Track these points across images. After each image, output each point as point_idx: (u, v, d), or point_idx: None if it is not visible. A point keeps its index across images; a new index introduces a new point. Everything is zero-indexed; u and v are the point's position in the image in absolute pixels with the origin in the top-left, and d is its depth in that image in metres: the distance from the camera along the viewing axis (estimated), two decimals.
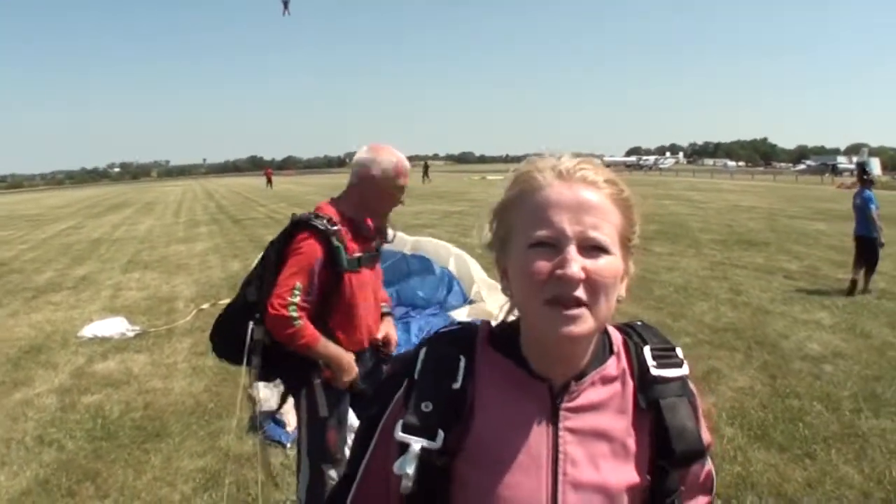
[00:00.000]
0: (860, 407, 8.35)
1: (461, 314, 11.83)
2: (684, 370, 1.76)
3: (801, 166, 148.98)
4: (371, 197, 4.87)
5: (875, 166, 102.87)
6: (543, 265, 1.52)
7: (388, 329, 5.22)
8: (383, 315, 5.25)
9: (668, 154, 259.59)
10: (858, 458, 7.11)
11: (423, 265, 13.78)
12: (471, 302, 12.77)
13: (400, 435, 1.65)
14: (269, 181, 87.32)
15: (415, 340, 10.29)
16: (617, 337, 1.80)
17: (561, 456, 1.64)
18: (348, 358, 4.80)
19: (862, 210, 15.79)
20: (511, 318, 1.77)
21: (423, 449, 1.63)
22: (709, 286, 15.72)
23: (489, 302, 12.25)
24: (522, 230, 1.60)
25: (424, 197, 53.50)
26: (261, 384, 8.91)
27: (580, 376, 1.68)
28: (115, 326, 12.96)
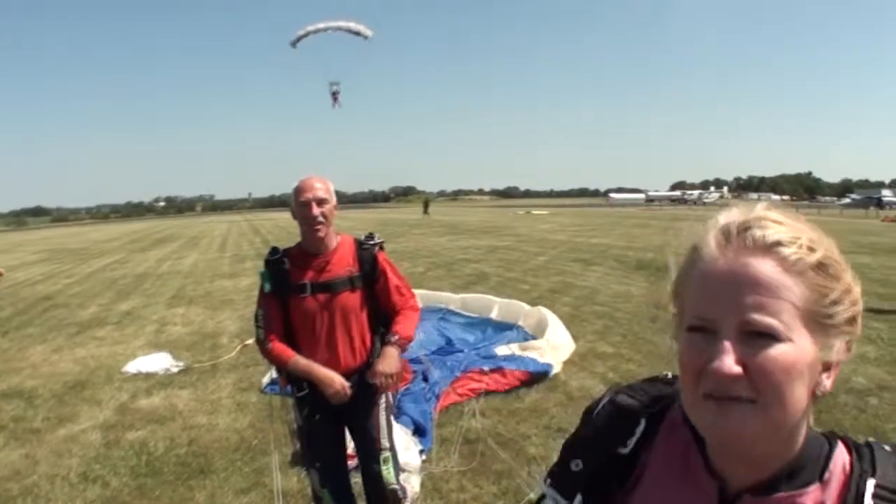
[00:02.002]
0: None
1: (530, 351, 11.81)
2: None
3: (846, 200, 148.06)
4: (299, 224, 5.36)
5: None
6: (696, 355, 1.31)
7: (383, 358, 5.28)
8: (386, 344, 5.35)
9: (712, 188, 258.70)
10: None
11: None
12: (530, 337, 12.93)
13: (541, 483, 1.63)
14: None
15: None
16: (841, 459, 1.43)
17: None
18: (324, 373, 5.17)
19: None
20: None
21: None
22: None
23: (551, 331, 12.68)
24: (685, 308, 1.38)
25: (471, 232, 53.82)
26: None
27: (765, 489, 1.39)
28: (159, 362, 13.00)
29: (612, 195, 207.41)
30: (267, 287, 5.26)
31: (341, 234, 5.50)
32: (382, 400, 5.50)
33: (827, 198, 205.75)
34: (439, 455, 8.03)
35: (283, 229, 71.62)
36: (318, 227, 5.18)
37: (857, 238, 39.68)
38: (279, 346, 5.18)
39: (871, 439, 1.45)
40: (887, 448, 1.43)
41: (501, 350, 11.68)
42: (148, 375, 12.39)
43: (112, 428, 9.71)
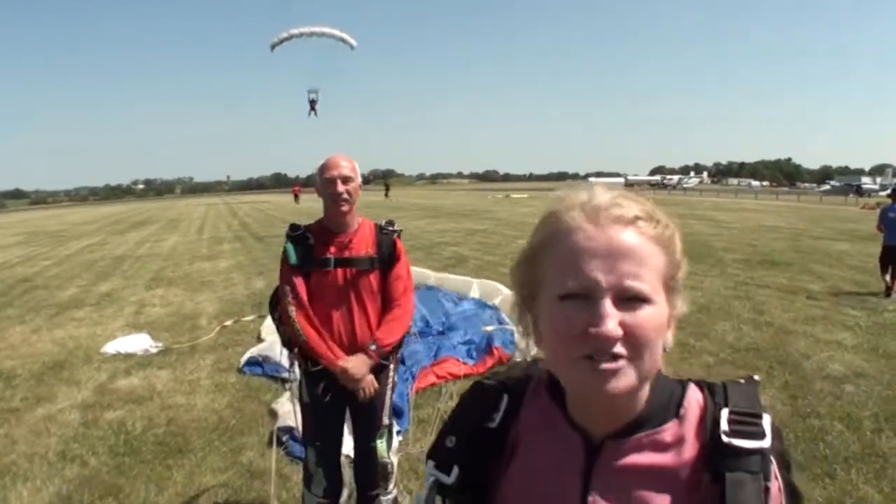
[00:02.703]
0: (881, 427, 8.31)
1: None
2: (764, 443, 1.47)
3: (826, 186, 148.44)
4: (323, 201, 5.34)
5: None
6: (575, 321, 1.39)
7: (354, 362, 5.26)
8: (363, 350, 5.35)
9: (692, 174, 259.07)
10: (878, 477, 7.08)
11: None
12: (499, 314, 13.09)
13: (426, 465, 1.71)
14: (297, 198, 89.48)
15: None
16: (693, 397, 1.59)
17: None
18: (353, 371, 5.23)
19: (895, 223, 17.29)
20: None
21: (437, 482, 1.68)
22: (731, 306, 15.60)
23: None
24: (552, 279, 1.47)
25: (450, 215, 53.90)
26: (281, 399, 8.97)
27: (624, 433, 1.53)
28: (138, 343, 13.02)
29: (592, 179, 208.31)
30: (293, 259, 5.26)
31: (362, 217, 5.55)
32: (390, 378, 5.58)
33: (806, 184, 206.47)
34: (416, 436, 8.06)
35: (262, 212, 71.66)
36: (343, 203, 5.22)
37: (836, 225, 39.92)
38: (314, 335, 5.21)
39: (724, 379, 1.63)
40: (741, 381, 1.61)
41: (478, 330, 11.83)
42: (127, 356, 12.41)
43: (90, 408, 9.73)
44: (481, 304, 13.86)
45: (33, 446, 8.45)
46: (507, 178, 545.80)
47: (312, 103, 44.47)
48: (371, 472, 5.62)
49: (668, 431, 1.52)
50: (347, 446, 5.87)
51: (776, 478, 1.47)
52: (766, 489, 1.44)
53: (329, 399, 5.36)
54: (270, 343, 11.25)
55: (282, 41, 33.88)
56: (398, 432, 7.90)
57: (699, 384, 1.62)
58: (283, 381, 9.67)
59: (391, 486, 5.76)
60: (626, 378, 1.38)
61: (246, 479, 7.28)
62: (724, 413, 1.50)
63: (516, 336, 11.38)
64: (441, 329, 12.20)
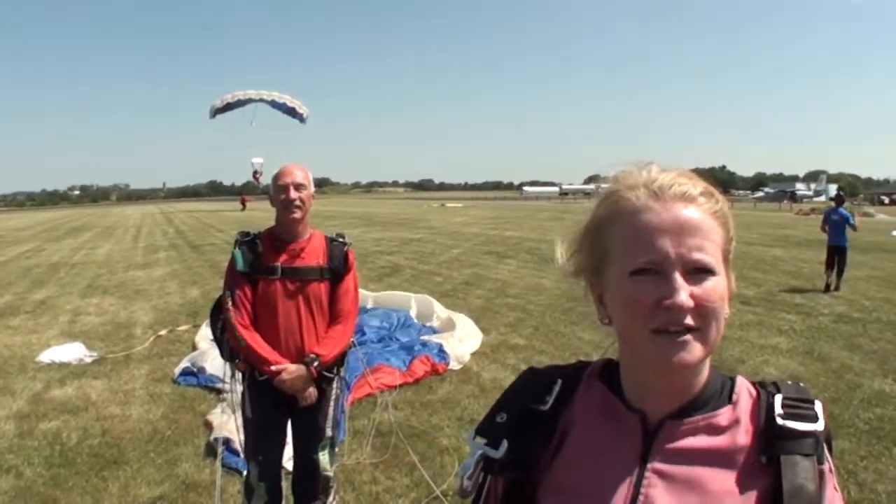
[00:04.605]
0: None
1: (436, 338, 12.34)
2: (818, 426, 1.52)
3: (759, 193, 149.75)
4: (276, 208, 5.42)
5: (832, 192, 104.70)
6: (648, 294, 1.45)
7: (293, 373, 5.28)
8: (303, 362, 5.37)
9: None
10: None
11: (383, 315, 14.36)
12: (434, 331, 13.34)
13: (470, 439, 1.73)
14: (244, 205, 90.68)
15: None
16: (744, 385, 1.65)
17: (641, 498, 1.55)
18: (296, 382, 5.30)
19: (838, 224, 19.47)
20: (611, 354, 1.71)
21: (483, 457, 1.69)
22: None
23: (459, 329, 13.05)
24: (620, 256, 1.52)
25: (385, 224, 53.94)
26: (216, 410, 8.97)
27: (680, 415, 1.57)
28: (73, 352, 12.91)
29: (526, 188, 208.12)
30: (240, 265, 5.28)
31: (314, 228, 5.60)
32: (333, 391, 5.62)
33: (740, 192, 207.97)
34: (352, 447, 8.09)
35: (198, 220, 71.10)
36: (296, 210, 5.28)
37: (769, 231, 40.48)
38: (255, 339, 5.24)
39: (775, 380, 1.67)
40: (789, 382, 1.65)
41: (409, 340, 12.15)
42: (62, 365, 12.32)
43: (25, 418, 9.67)
44: (411, 325, 13.99)
45: None
46: (443, 186, 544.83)
47: (256, 175, 43.52)
48: (313, 484, 5.64)
49: (723, 415, 1.57)
50: (285, 457, 5.90)
51: (828, 460, 1.54)
52: (821, 472, 1.50)
53: (272, 411, 5.40)
54: (205, 352, 11.25)
55: (224, 108, 31.68)
56: (336, 444, 7.96)
57: (751, 382, 1.67)
58: (218, 391, 9.68)
59: (331, 498, 5.78)
60: (696, 350, 1.45)
61: (182, 492, 7.27)
62: (778, 398, 1.56)
63: (447, 347, 11.51)
64: (375, 340, 12.35)
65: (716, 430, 1.55)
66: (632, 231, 1.50)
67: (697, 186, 1.55)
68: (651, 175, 1.57)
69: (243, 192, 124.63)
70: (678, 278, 1.43)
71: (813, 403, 1.55)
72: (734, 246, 1.59)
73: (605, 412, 1.64)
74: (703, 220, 1.49)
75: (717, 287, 1.46)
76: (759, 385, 1.64)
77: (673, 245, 1.45)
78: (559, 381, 1.75)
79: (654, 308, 1.44)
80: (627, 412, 1.60)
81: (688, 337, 1.44)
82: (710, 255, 1.47)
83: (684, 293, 1.42)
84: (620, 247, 1.52)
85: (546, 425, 1.68)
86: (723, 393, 1.61)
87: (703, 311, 1.44)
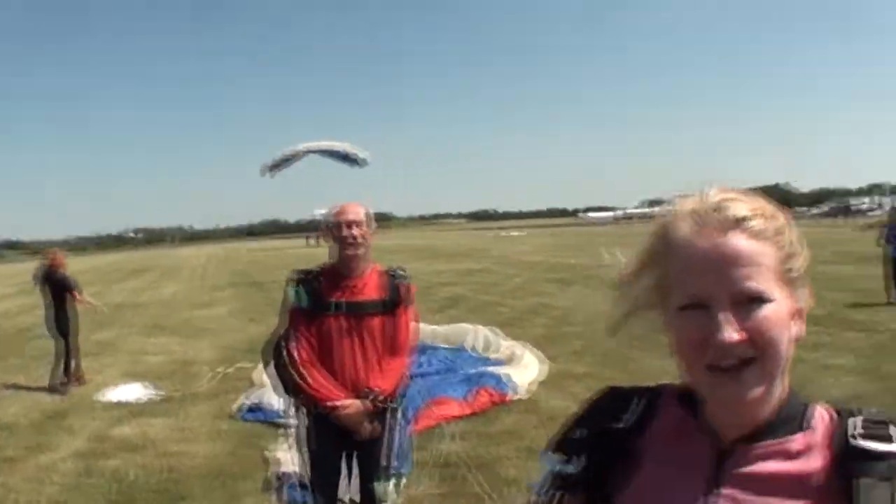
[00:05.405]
0: None
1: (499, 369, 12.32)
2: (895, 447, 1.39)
3: (816, 210, 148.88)
4: (334, 245, 5.48)
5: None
6: (696, 331, 1.40)
7: (352, 409, 5.31)
8: (364, 397, 5.37)
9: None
10: None
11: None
12: (497, 363, 13.28)
13: (544, 454, 1.69)
14: (308, 242, 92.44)
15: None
16: (820, 412, 1.54)
17: None
18: (355, 419, 5.34)
19: None
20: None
21: (556, 475, 1.65)
22: None
23: (523, 358, 13.11)
24: (672, 291, 1.48)
25: (448, 256, 54.05)
26: (279, 446, 8.95)
27: (753, 438, 1.49)
28: (136, 391, 13.02)
29: (584, 214, 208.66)
30: (304, 302, 5.34)
31: (374, 262, 5.65)
32: (397, 422, 5.63)
33: (802, 208, 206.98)
34: (418, 478, 8.01)
35: (258, 258, 71.65)
36: (351, 247, 5.33)
37: (831, 248, 39.94)
38: (316, 375, 5.29)
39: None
40: (873, 410, 1.51)
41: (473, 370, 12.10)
42: (126, 404, 12.41)
43: (89, 456, 9.72)
44: (475, 358, 13.97)
45: (32, 494, 8.46)
46: (504, 215, 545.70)
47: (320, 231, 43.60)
48: None
49: (797, 441, 1.48)
50: (341, 489, 5.90)
51: None
52: None
53: (335, 445, 5.44)
54: (267, 388, 11.26)
55: (279, 165, 31.21)
56: (403, 474, 7.91)
57: (824, 406, 1.57)
58: (281, 426, 9.63)
59: None
60: (751, 383, 1.39)
61: None
62: (858, 420, 1.46)
63: (511, 377, 11.46)
64: (436, 371, 12.32)
65: (788, 455, 1.47)
66: (679, 265, 1.47)
67: (745, 207, 1.47)
68: (703, 199, 1.51)
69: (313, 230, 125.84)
70: (722, 314, 1.38)
71: (893, 425, 1.43)
72: (802, 263, 1.50)
73: (679, 434, 1.59)
74: (747, 246, 1.42)
75: (772, 314, 1.40)
76: (839, 411, 1.53)
77: (716, 279, 1.40)
78: (638, 400, 1.70)
79: (703, 344, 1.39)
80: (701, 435, 1.54)
81: (744, 372, 1.38)
82: (759, 281, 1.40)
83: (730, 329, 1.36)
84: (672, 279, 1.48)
85: (623, 445, 1.62)
86: (797, 418, 1.52)
87: (757, 341, 1.38)
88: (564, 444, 1.68)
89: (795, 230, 1.52)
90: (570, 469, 1.62)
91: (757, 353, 1.37)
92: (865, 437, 1.41)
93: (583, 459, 1.62)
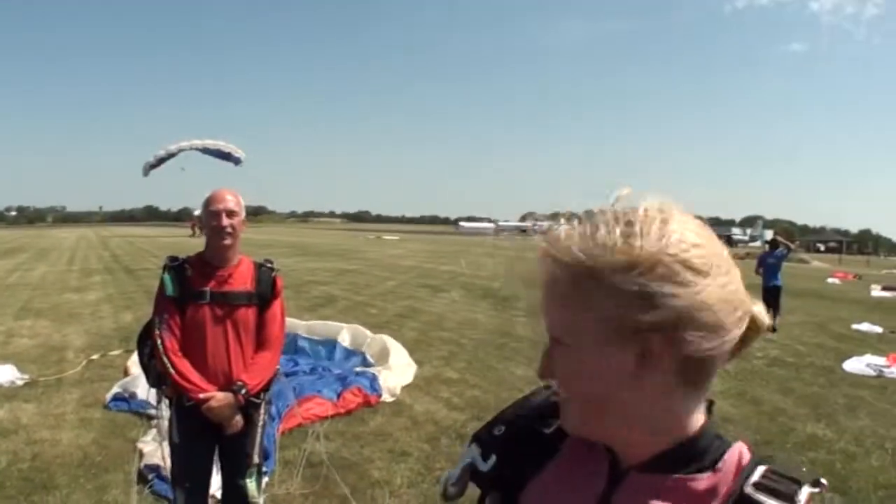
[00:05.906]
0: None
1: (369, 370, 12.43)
2: None
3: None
4: (206, 233, 5.49)
5: (768, 237, 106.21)
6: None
7: (221, 402, 5.29)
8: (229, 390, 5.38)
9: (562, 220, 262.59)
10: None
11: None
12: (367, 359, 13.52)
13: (467, 447, 1.67)
14: (194, 231, 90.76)
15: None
16: (738, 450, 1.44)
17: None
18: (224, 412, 5.30)
19: (774, 267, 20.89)
20: None
21: (471, 466, 1.63)
22: None
23: (392, 358, 13.13)
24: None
25: (321, 255, 53.74)
26: (146, 437, 8.92)
27: (653, 467, 1.39)
28: (3, 374, 12.76)
29: (463, 223, 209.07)
30: (170, 290, 5.29)
31: (243, 254, 5.63)
32: (261, 418, 5.60)
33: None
34: (282, 478, 8.06)
35: (132, 244, 70.51)
36: (226, 237, 5.31)
37: None
38: (183, 365, 5.24)
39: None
40: (804, 468, 1.51)
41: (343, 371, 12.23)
42: None
43: None
44: (349, 353, 14.11)
45: None
46: (380, 219, 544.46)
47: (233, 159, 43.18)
48: None
49: (703, 481, 1.36)
50: (214, 486, 5.92)
51: None
52: None
53: (199, 437, 5.38)
54: (137, 377, 11.16)
55: (159, 162, 30.74)
56: (265, 473, 7.94)
57: (751, 449, 1.46)
58: (149, 417, 9.60)
59: None
60: (569, 414, 1.42)
61: None
62: (761, 468, 1.36)
63: (380, 379, 11.56)
64: (307, 370, 12.42)
65: (690, 495, 1.36)
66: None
67: (574, 235, 1.47)
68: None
69: (193, 219, 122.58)
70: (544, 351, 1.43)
71: (800, 485, 1.31)
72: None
73: (588, 446, 1.51)
74: (560, 279, 1.39)
75: (563, 358, 1.38)
76: (758, 454, 1.45)
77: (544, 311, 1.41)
78: None
79: None
80: (603, 451, 1.48)
81: (565, 400, 1.43)
82: (564, 321, 1.37)
83: (539, 366, 1.42)
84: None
85: (543, 449, 1.58)
86: (711, 456, 1.41)
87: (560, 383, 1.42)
88: (483, 438, 1.66)
89: None
90: (483, 466, 1.61)
91: (565, 394, 1.42)
92: (762, 488, 1.32)
93: (494, 458, 1.60)
